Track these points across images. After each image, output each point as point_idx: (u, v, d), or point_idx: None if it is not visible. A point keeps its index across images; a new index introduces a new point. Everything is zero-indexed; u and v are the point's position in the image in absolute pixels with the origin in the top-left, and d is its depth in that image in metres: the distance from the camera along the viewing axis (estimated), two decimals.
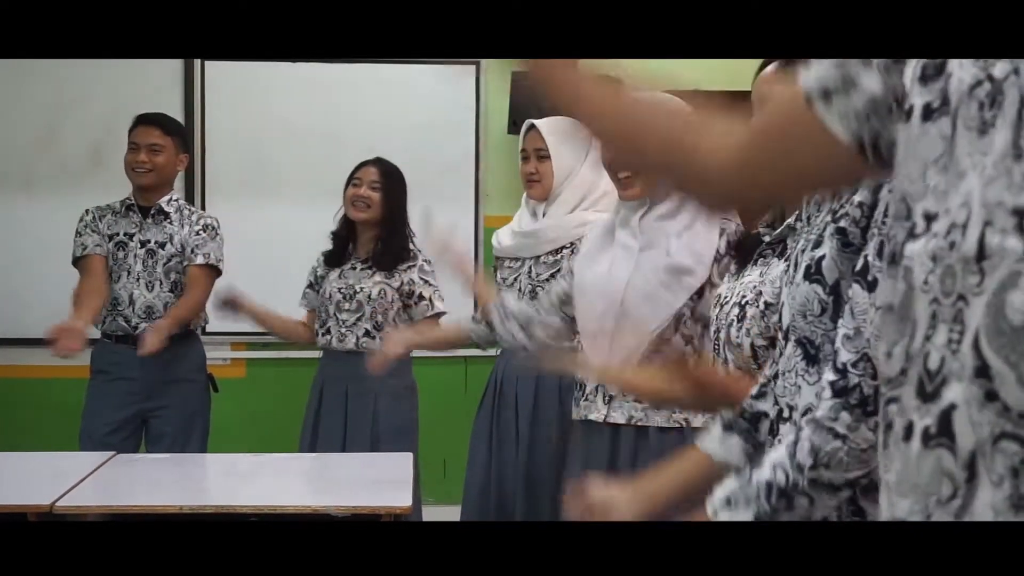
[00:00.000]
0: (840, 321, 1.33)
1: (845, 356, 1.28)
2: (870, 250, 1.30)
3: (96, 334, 3.82)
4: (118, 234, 3.82)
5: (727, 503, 1.33)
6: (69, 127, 4.94)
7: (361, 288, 3.71)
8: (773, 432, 1.46)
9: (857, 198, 1.34)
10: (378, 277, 3.72)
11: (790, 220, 1.79)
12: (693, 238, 2.41)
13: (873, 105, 0.98)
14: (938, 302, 0.82)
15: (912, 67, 0.91)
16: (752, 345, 1.81)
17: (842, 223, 1.35)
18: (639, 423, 2.47)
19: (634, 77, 1.21)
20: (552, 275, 3.07)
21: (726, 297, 1.93)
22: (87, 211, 3.88)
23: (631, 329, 2.43)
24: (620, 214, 2.53)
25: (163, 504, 2.66)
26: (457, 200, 5.06)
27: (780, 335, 1.47)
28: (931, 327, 0.82)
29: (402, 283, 3.72)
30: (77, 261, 3.81)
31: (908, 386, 0.86)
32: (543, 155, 3.08)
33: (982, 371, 0.77)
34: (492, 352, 3.28)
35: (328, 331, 3.75)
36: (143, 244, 3.81)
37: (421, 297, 3.73)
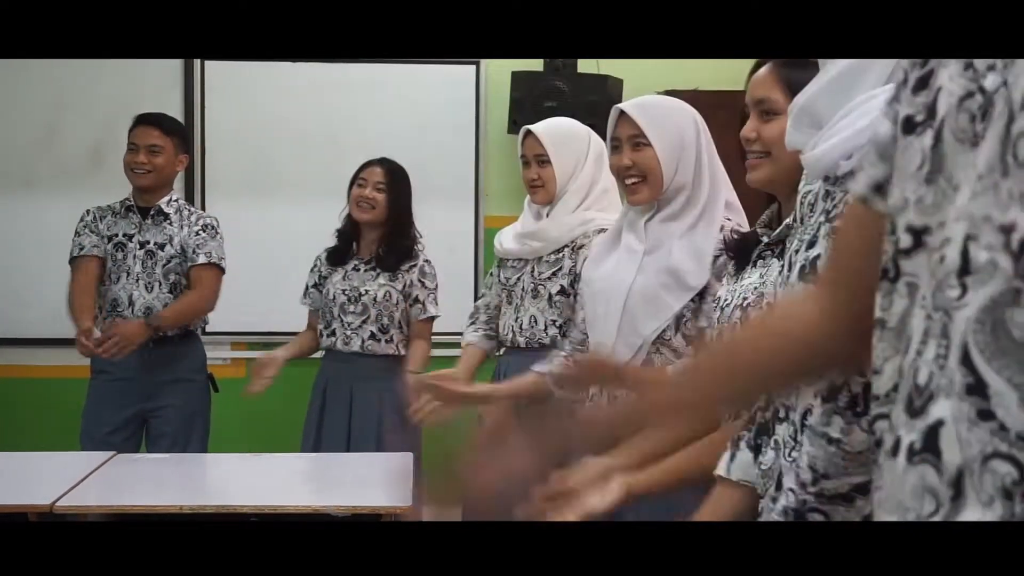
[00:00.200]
0: None
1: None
2: None
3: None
4: (117, 235, 3.81)
5: None
6: (69, 127, 4.94)
7: (366, 290, 3.71)
8: (770, 432, 1.46)
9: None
10: (382, 279, 3.72)
11: (788, 220, 1.78)
12: (694, 240, 2.42)
13: None
14: (931, 317, 0.81)
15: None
16: None
17: (837, 223, 1.34)
18: None
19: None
20: (554, 274, 3.07)
21: (726, 299, 1.93)
22: (87, 211, 3.88)
23: (633, 331, 2.44)
24: (627, 217, 2.55)
25: (163, 504, 2.66)
26: (457, 200, 5.06)
27: None
28: (923, 342, 0.81)
29: (404, 284, 3.72)
30: (72, 261, 3.81)
31: (899, 403, 0.84)
32: (543, 160, 3.07)
33: (976, 389, 0.75)
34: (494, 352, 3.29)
35: (333, 333, 3.75)
36: (142, 245, 3.80)
37: (416, 300, 3.73)
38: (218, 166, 5.03)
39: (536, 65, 4.87)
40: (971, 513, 0.75)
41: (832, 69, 1.39)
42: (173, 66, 4.97)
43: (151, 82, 4.87)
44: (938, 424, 0.78)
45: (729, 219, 2.43)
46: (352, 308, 3.72)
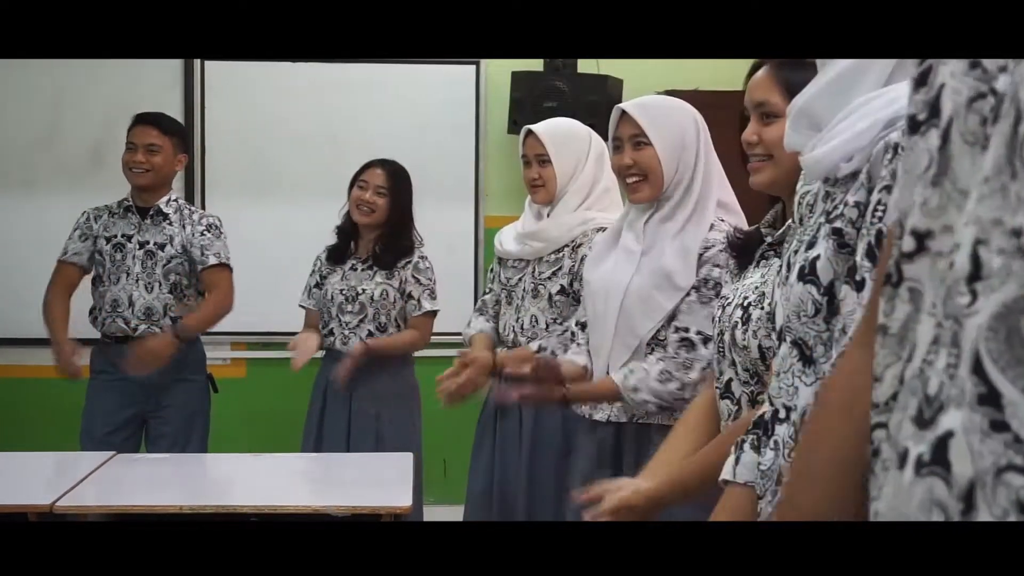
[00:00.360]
0: (834, 320, 1.33)
1: (833, 357, 1.28)
2: (859, 252, 1.30)
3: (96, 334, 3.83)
4: (116, 235, 3.81)
5: None
6: (69, 127, 4.94)
7: (363, 290, 3.71)
8: (769, 432, 1.46)
9: (852, 198, 1.33)
10: (379, 278, 3.72)
11: (791, 220, 1.78)
12: (684, 240, 2.45)
13: None
14: (940, 325, 0.78)
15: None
16: (759, 347, 1.80)
17: (837, 224, 1.34)
18: (640, 420, 2.49)
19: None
20: (554, 273, 3.08)
21: (729, 299, 1.93)
22: (83, 213, 3.88)
23: (630, 331, 2.46)
24: (628, 216, 2.57)
25: (163, 504, 2.66)
26: (457, 200, 5.06)
27: (774, 335, 1.46)
28: (932, 351, 0.78)
29: (400, 281, 3.73)
30: (57, 261, 3.84)
31: (899, 412, 0.82)
32: (544, 160, 3.08)
33: (988, 399, 0.72)
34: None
35: (331, 332, 3.75)
36: (142, 245, 3.79)
37: (410, 296, 3.73)
38: (218, 166, 5.02)
39: (536, 65, 4.87)
40: None
41: (831, 71, 1.38)
42: (173, 66, 4.96)
43: (151, 82, 4.87)
44: (948, 435, 0.75)
45: (722, 219, 2.45)
46: (349, 307, 3.72)
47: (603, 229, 2.81)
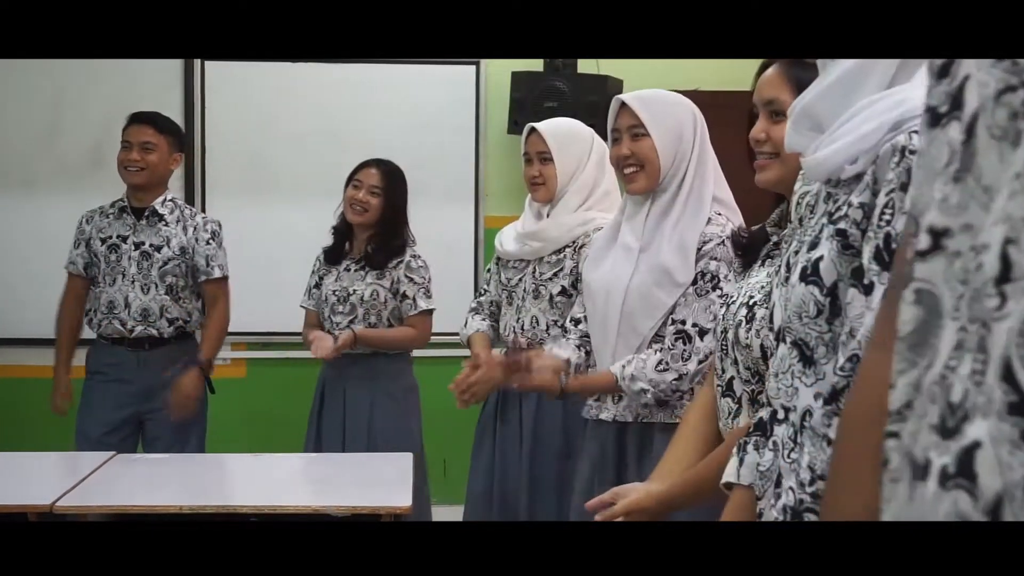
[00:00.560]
0: (836, 322, 1.33)
1: (840, 360, 1.28)
2: (866, 255, 1.29)
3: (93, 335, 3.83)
4: (111, 237, 3.79)
5: None
6: (69, 127, 4.94)
7: (354, 290, 3.71)
8: (767, 433, 1.46)
9: (857, 199, 1.33)
10: (370, 278, 3.72)
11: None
12: (681, 235, 2.46)
13: None
14: (965, 329, 0.74)
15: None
16: (762, 346, 1.80)
17: (841, 224, 1.34)
18: (644, 419, 2.49)
19: None
20: (555, 274, 3.08)
21: (733, 297, 1.93)
22: (81, 217, 3.88)
23: (632, 330, 2.47)
24: (627, 209, 2.58)
25: (163, 504, 2.66)
26: (457, 200, 5.06)
27: (772, 335, 1.46)
28: (955, 356, 0.74)
29: (392, 281, 3.72)
30: (65, 271, 3.88)
31: (914, 421, 0.78)
32: (546, 158, 3.08)
33: (1019, 408, 0.68)
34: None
35: (327, 332, 3.75)
36: (137, 246, 3.77)
37: (405, 296, 3.72)
38: (218, 166, 5.02)
39: (536, 65, 4.87)
40: None
41: (832, 73, 1.38)
42: (173, 66, 4.96)
43: (151, 82, 4.87)
44: (974, 446, 0.71)
45: (719, 213, 2.46)
46: (341, 308, 3.72)
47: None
